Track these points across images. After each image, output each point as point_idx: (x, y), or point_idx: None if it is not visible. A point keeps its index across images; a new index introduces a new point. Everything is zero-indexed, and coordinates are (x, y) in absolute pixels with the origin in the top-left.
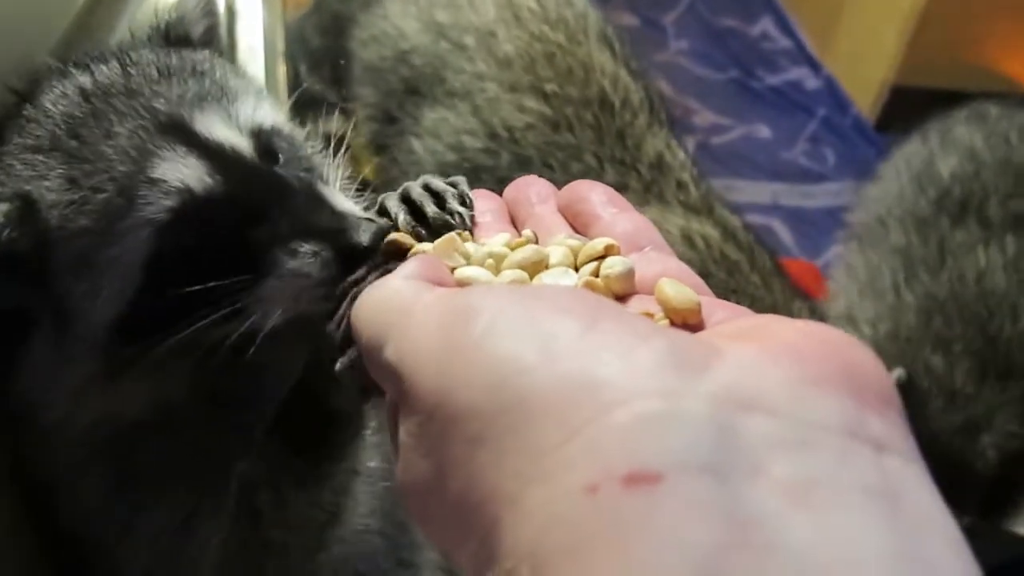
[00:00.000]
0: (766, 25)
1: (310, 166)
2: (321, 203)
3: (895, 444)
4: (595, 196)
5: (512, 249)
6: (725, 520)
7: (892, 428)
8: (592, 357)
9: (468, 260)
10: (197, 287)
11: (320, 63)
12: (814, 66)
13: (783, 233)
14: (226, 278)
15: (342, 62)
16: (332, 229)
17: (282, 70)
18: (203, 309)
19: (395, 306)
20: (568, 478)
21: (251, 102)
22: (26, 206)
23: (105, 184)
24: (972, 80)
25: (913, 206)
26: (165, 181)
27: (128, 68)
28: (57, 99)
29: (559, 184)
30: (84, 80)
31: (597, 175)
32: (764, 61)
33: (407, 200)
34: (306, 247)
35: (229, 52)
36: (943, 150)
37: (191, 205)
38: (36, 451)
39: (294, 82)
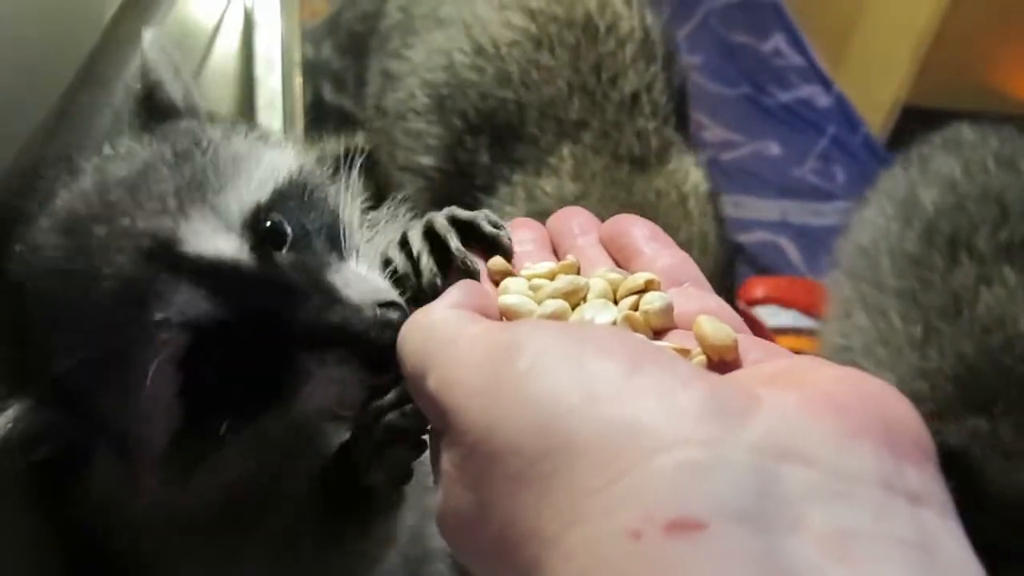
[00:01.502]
0: (778, 42)
1: (322, 220)
2: (332, 299)
3: (931, 497)
4: (638, 231)
5: (552, 278)
6: (765, 570)
7: (928, 481)
8: (635, 402)
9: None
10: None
11: (343, 82)
12: (825, 84)
13: (790, 251)
14: (257, 387)
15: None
16: (351, 333)
17: (298, 80)
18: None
19: (440, 335)
20: (611, 522)
21: (244, 176)
22: (46, 393)
23: (107, 338)
24: (983, 101)
25: (900, 240)
26: (168, 320)
27: (103, 183)
28: (41, 238)
29: (533, 107)
30: (60, 213)
31: (565, 103)
32: (776, 78)
33: (430, 233)
34: (332, 354)
35: (247, 64)
36: (924, 179)
37: (202, 336)
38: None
39: (314, 101)
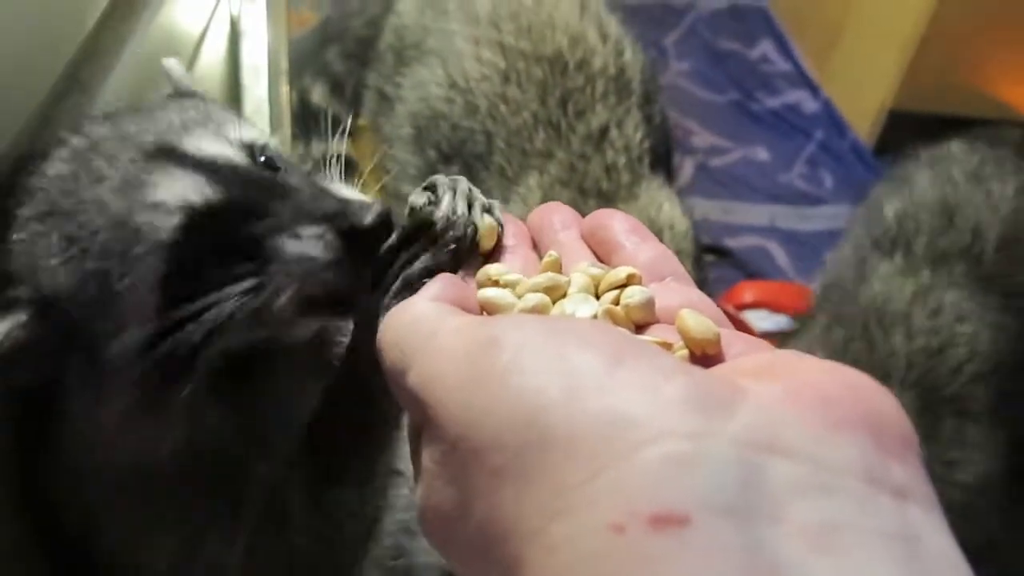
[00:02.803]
0: (766, 48)
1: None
2: (323, 192)
3: (915, 491)
4: (617, 225)
5: (535, 275)
6: (749, 564)
7: (913, 474)
8: (617, 395)
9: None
10: (211, 295)
11: (342, 87)
12: (813, 90)
13: (779, 255)
14: (235, 278)
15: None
16: (334, 212)
17: (285, 89)
18: (207, 313)
19: (420, 330)
20: (593, 516)
21: (239, 125)
22: (41, 305)
23: (102, 226)
24: (970, 106)
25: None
26: (164, 202)
27: (113, 117)
28: (52, 165)
29: (500, 137)
30: (75, 141)
31: (530, 134)
32: (763, 84)
33: (429, 187)
34: (309, 231)
35: (233, 72)
36: (892, 193)
37: (194, 219)
38: (69, 488)
39: (300, 104)
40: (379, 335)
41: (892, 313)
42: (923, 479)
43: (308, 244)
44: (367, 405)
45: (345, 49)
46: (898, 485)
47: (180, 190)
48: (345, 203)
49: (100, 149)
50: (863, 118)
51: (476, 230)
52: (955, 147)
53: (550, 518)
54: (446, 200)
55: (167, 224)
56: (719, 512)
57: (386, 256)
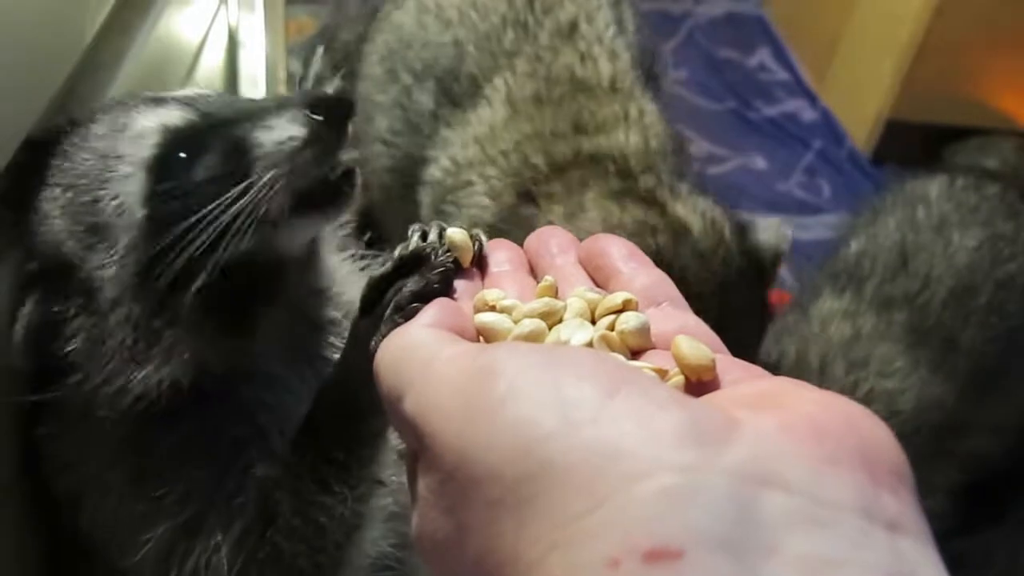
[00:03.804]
0: (764, 56)
1: None
2: (285, 96)
3: (909, 524)
4: (615, 250)
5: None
6: None
7: (906, 508)
8: (612, 427)
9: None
10: (196, 204)
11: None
12: (811, 98)
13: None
14: (220, 185)
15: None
16: (298, 99)
17: None
18: (200, 219)
19: (416, 357)
20: (590, 550)
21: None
22: (49, 272)
23: (90, 161)
24: (967, 115)
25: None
26: (145, 128)
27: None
28: (59, 148)
29: (470, 43)
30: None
31: (498, 36)
32: (761, 92)
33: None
34: (280, 118)
35: (231, 81)
36: (860, 229)
37: (171, 137)
38: (66, 457)
39: None
40: (376, 360)
41: (820, 353)
42: (915, 511)
43: (283, 128)
44: (356, 417)
45: (334, 59)
46: (891, 518)
47: (159, 117)
48: (303, 91)
49: (94, 117)
50: (861, 127)
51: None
52: (934, 188)
53: (546, 550)
54: (415, 236)
55: (148, 143)
56: (714, 546)
57: (378, 285)
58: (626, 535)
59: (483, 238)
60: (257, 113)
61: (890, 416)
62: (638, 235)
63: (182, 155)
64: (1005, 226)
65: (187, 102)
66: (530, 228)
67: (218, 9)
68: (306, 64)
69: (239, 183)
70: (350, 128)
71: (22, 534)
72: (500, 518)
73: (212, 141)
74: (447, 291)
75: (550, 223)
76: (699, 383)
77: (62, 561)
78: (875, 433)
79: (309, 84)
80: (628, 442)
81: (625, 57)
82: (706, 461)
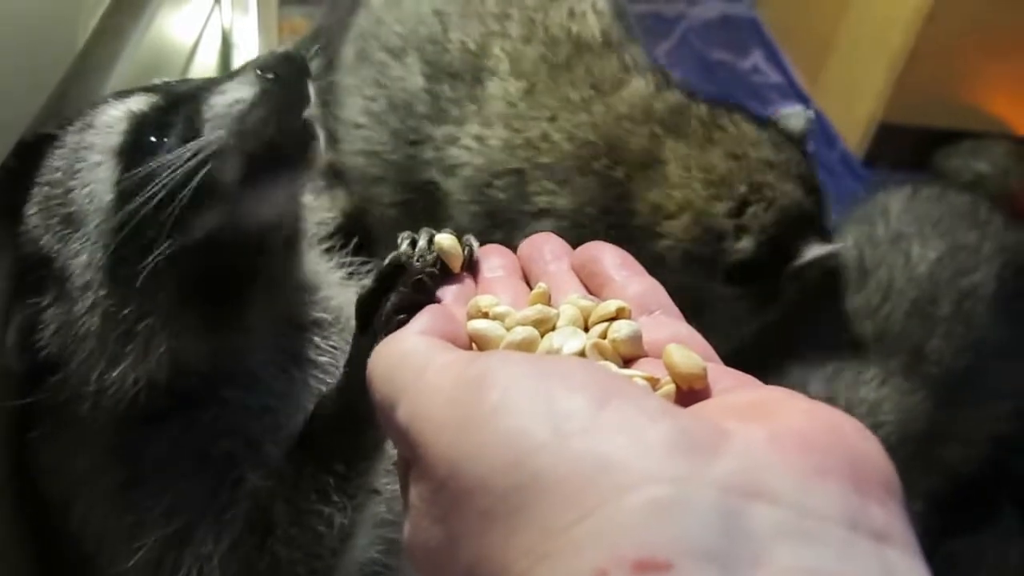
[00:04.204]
0: (757, 59)
1: None
2: (248, 63)
3: (896, 536)
4: (608, 258)
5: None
6: None
7: (893, 519)
8: (602, 438)
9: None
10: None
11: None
12: (803, 101)
13: None
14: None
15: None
16: (250, 64)
17: None
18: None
19: (409, 365)
20: (578, 561)
21: None
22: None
23: (63, 156)
24: (959, 119)
25: None
26: (111, 118)
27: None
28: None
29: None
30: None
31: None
32: (754, 94)
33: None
34: (231, 82)
35: None
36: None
37: (139, 122)
38: (56, 460)
39: None
40: (369, 368)
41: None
42: (903, 522)
43: (234, 90)
44: (356, 430)
45: (327, 59)
46: (878, 529)
47: (123, 107)
48: (258, 55)
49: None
50: (853, 130)
51: (437, 256)
52: (896, 202)
53: (537, 561)
54: (405, 244)
55: (117, 130)
56: (701, 557)
57: (368, 301)
58: (614, 546)
59: (474, 243)
60: (214, 82)
61: (875, 428)
62: (738, 170)
63: (152, 139)
64: (968, 236)
65: (152, 89)
66: (622, 209)
67: (212, 10)
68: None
69: (188, 140)
70: (309, 86)
71: (13, 536)
72: (491, 528)
73: (174, 118)
74: (428, 300)
75: (652, 203)
76: (690, 391)
77: (53, 564)
78: (863, 444)
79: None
80: (618, 453)
81: (607, 10)
82: (695, 472)
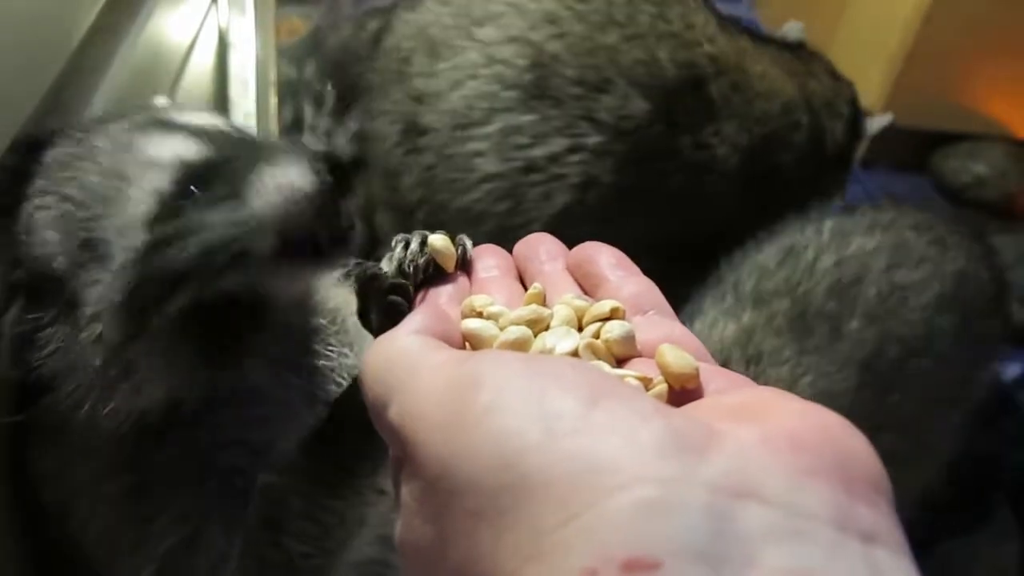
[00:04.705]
0: None
1: None
2: (298, 143)
3: (885, 536)
4: (603, 258)
5: (519, 306)
6: None
7: (882, 519)
8: (593, 438)
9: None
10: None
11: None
12: None
13: None
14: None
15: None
16: (310, 151)
17: (273, 101)
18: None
19: (401, 364)
20: (567, 560)
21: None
22: (36, 280)
23: (97, 180)
24: (957, 121)
25: None
26: (158, 157)
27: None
28: (50, 154)
29: None
30: (73, 133)
31: None
32: None
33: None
34: (288, 163)
35: (221, 84)
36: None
37: (184, 170)
38: (53, 469)
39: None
40: (362, 368)
41: (716, 351)
42: (892, 522)
43: (288, 173)
44: (368, 431)
45: (322, 67)
46: (867, 529)
47: (173, 148)
48: (318, 148)
49: (96, 130)
50: None
51: (429, 258)
52: (848, 224)
53: (525, 560)
54: (399, 247)
55: (160, 173)
56: (691, 557)
57: (360, 312)
58: (603, 546)
59: (467, 243)
60: (267, 153)
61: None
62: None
63: (193, 189)
64: (912, 235)
65: (201, 134)
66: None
67: (208, 10)
68: (299, 69)
69: (233, 205)
70: (352, 199)
71: (8, 538)
72: (480, 528)
73: (222, 178)
74: (407, 307)
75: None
76: (683, 391)
77: (51, 567)
78: (853, 445)
79: (303, 90)
80: (608, 453)
81: None
82: (685, 473)
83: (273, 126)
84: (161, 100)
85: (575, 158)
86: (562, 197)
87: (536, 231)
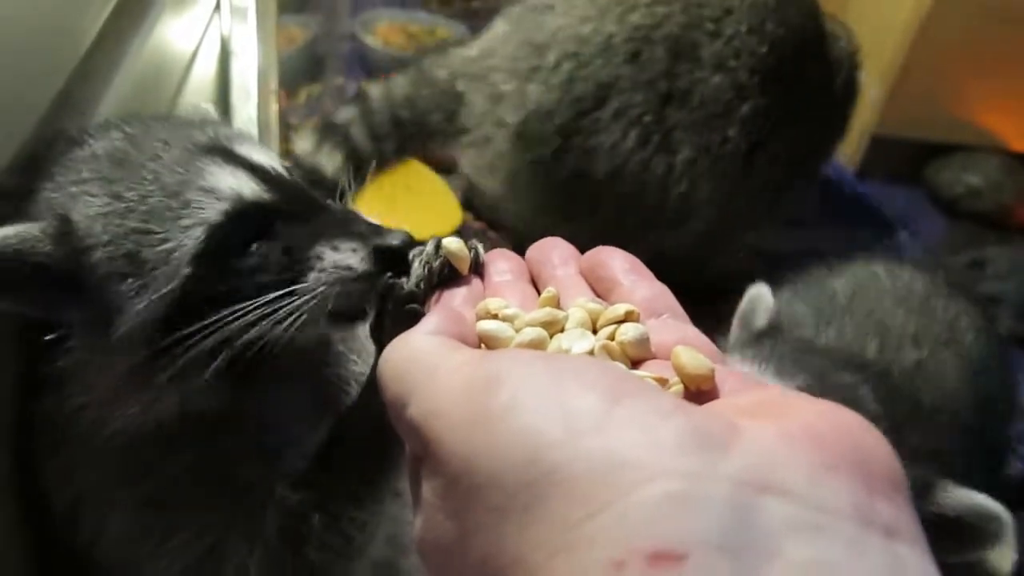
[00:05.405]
0: None
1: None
2: (356, 215)
3: (903, 529)
4: (616, 263)
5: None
6: None
7: (900, 513)
8: (616, 435)
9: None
10: (240, 284)
11: (360, 163)
12: None
13: (761, 275)
14: (270, 275)
15: None
16: (367, 231)
17: (275, 108)
18: (244, 304)
19: (420, 364)
20: (594, 552)
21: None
22: (63, 224)
23: (153, 192)
24: (951, 132)
25: None
26: (217, 188)
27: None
28: (100, 141)
29: None
30: (125, 126)
31: None
32: None
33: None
34: (346, 244)
35: (223, 91)
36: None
37: (242, 209)
38: (62, 470)
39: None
40: (380, 368)
41: None
42: (910, 517)
43: (346, 255)
44: (382, 433)
45: (374, 130)
46: (886, 523)
47: (232, 182)
48: (375, 226)
49: (154, 133)
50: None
51: (445, 260)
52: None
53: (551, 554)
54: (416, 263)
55: (215, 207)
56: (715, 549)
57: (374, 325)
58: (630, 538)
59: (479, 247)
60: (329, 227)
61: None
62: None
63: (246, 231)
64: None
65: (264, 175)
66: None
67: (211, 18)
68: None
69: (289, 285)
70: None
71: (13, 540)
72: (504, 523)
73: (279, 231)
74: (420, 316)
75: None
76: (698, 392)
77: (55, 570)
78: (870, 441)
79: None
80: (631, 450)
81: None
82: (708, 467)
83: (274, 133)
84: (207, 108)
85: None
86: None
87: None
